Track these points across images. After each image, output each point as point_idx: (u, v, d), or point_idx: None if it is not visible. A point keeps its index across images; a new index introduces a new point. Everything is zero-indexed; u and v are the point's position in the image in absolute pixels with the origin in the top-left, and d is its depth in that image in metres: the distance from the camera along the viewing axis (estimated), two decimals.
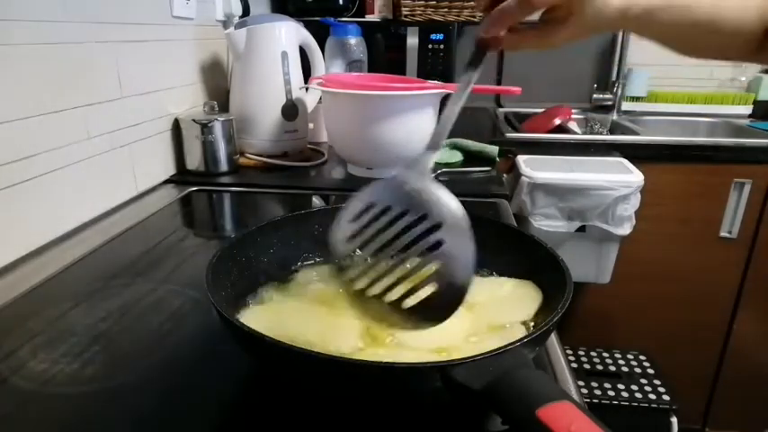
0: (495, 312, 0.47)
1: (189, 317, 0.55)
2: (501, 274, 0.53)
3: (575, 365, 1.40)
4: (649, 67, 1.78)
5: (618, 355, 1.43)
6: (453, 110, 0.43)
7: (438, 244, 0.35)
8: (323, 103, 1.01)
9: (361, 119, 0.92)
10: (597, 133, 1.74)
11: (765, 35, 0.52)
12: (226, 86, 1.18)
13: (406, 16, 1.49)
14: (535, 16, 0.47)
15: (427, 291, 0.35)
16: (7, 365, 0.46)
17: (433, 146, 0.41)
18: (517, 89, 0.90)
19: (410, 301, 0.35)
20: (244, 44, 1.04)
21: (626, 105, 1.82)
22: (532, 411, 0.27)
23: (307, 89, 1.12)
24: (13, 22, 0.63)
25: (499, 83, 1.92)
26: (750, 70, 1.84)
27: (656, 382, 1.33)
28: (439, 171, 1.01)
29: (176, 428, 0.40)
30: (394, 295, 0.36)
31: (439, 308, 0.35)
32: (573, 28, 0.46)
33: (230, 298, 0.46)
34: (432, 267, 0.35)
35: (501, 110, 1.85)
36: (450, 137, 1.21)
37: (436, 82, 1.00)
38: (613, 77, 1.83)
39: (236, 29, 1.05)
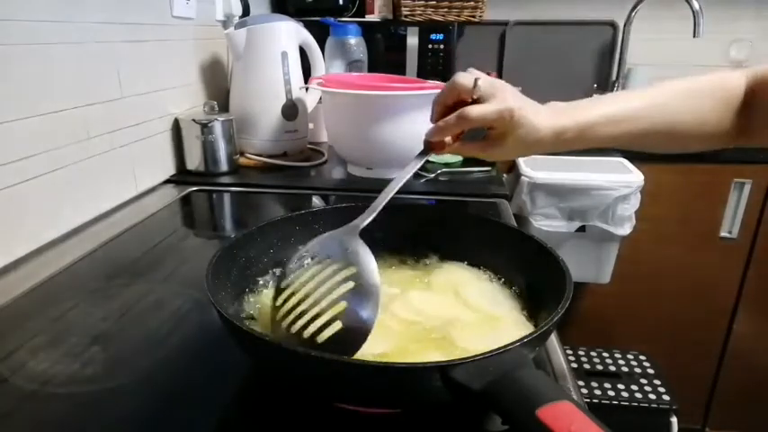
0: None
1: (189, 317, 0.55)
2: (501, 275, 0.53)
3: (575, 365, 1.40)
4: (649, 66, 1.78)
5: (618, 355, 1.43)
6: (393, 187, 0.50)
7: (350, 287, 0.42)
8: (323, 103, 1.01)
9: (361, 119, 0.92)
10: None
11: (739, 121, 0.54)
12: (226, 86, 1.18)
13: (406, 16, 1.49)
14: None
15: (335, 327, 0.40)
16: (7, 365, 0.46)
17: (364, 218, 0.48)
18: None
19: (323, 336, 0.40)
20: (244, 44, 1.04)
21: None
22: (532, 411, 0.27)
23: (307, 89, 1.12)
24: (13, 23, 0.63)
25: None
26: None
27: (656, 382, 1.33)
28: (439, 171, 1.01)
29: (176, 428, 0.40)
30: (309, 331, 0.41)
31: (345, 343, 0.40)
32: (508, 147, 0.51)
33: (230, 298, 0.46)
34: (341, 305, 0.41)
35: None
36: None
37: (436, 82, 1.00)
38: (613, 77, 1.83)
39: (236, 29, 1.05)
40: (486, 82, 0.51)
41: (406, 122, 0.91)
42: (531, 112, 0.50)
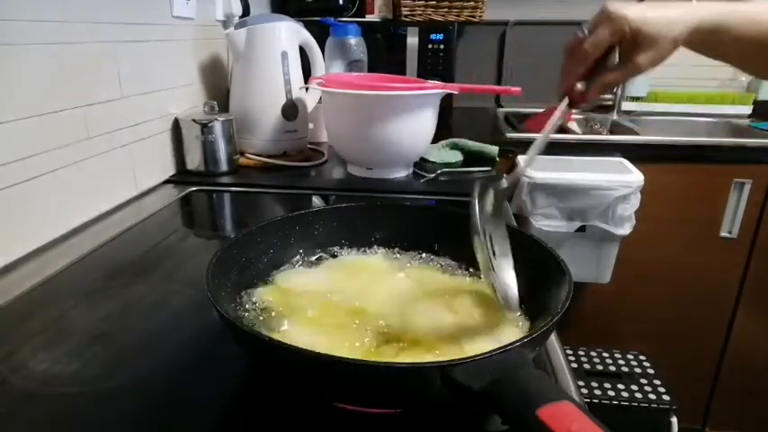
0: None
1: (189, 317, 0.55)
2: None
3: (575, 365, 1.40)
4: None
5: (618, 355, 1.43)
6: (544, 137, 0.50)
7: None
8: (323, 103, 1.01)
9: (361, 119, 0.92)
10: (597, 133, 1.74)
11: None
12: (226, 86, 1.18)
13: (406, 16, 1.49)
14: None
15: None
16: (7, 365, 0.46)
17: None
18: (517, 89, 0.89)
19: None
20: (244, 44, 1.04)
21: (626, 105, 1.82)
22: (532, 411, 0.27)
23: (307, 89, 1.12)
24: (13, 23, 0.63)
25: (499, 83, 1.92)
26: None
27: (656, 382, 1.33)
28: (439, 171, 1.01)
29: (176, 428, 0.40)
30: None
31: None
32: (648, 54, 0.50)
33: (230, 298, 0.46)
34: None
35: (501, 110, 1.85)
36: (450, 137, 1.21)
37: (436, 82, 1.00)
38: None
39: (236, 29, 1.05)
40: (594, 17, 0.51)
41: (406, 123, 0.91)
42: (649, 11, 0.49)
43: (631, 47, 0.50)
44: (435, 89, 0.92)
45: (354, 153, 1.00)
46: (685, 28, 0.50)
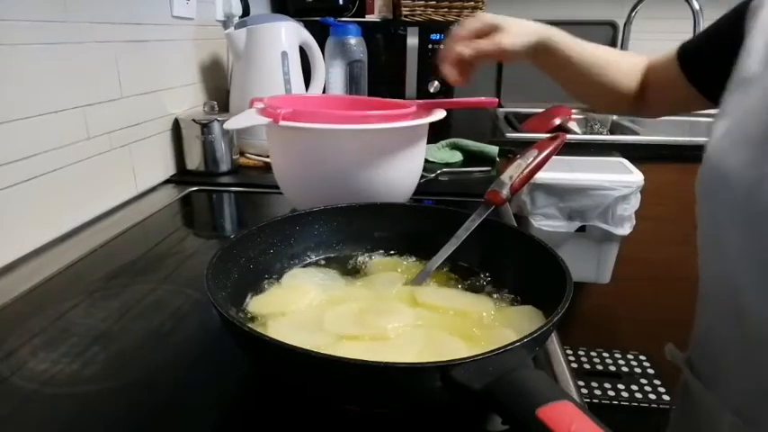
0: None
1: (189, 317, 0.55)
2: (501, 275, 0.53)
3: (575, 365, 1.40)
4: None
5: (618, 355, 1.43)
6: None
7: None
8: (266, 136, 0.77)
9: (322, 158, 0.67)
10: (597, 133, 1.74)
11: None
12: (226, 86, 1.18)
13: (406, 16, 1.49)
14: None
15: None
16: (7, 365, 0.46)
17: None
18: (493, 100, 0.74)
19: None
20: (244, 44, 1.04)
21: None
22: (532, 411, 0.27)
23: (307, 89, 1.12)
24: (13, 23, 0.63)
25: (499, 83, 1.93)
26: None
27: (656, 382, 1.33)
28: (439, 171, 1.01)
29: (176, 428, 0.40)
30: None
31: None
32: (511, 31, 0.63)
33: (230, 298, 0.46)
34: None
35: (501, 110, 1.85)
36: (450, 137, 1.21)
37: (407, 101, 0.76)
38: None
39: (236, 29, 1.05)
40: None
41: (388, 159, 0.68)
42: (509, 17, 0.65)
43: (495, 33, 0.63)
44: (409, 119, 0.68)
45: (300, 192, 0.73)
46: (534, 31, 0.65)
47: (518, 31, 0.64)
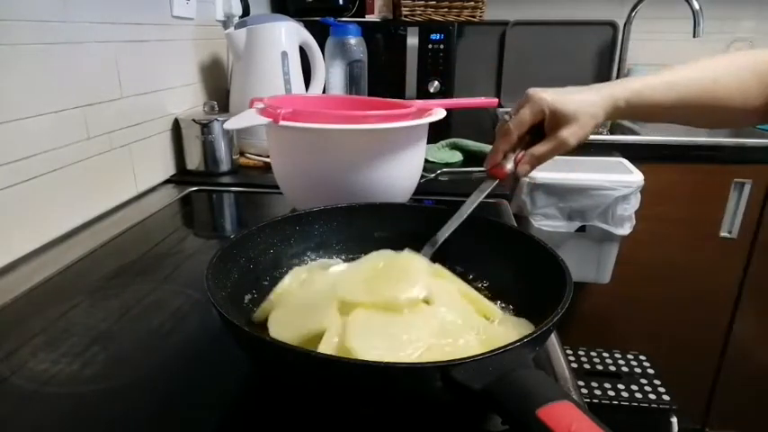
0: None
1: (189, 317, 0.55)
2: (501, 275, 0.53)
3: (575, 365, 1.40)
4: (649, 66, 1.78)
5: (618, 355, 1.43)
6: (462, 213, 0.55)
7: None
8: (266, 136, 0.77)
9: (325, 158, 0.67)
10: (597, 133, 1.74)
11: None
12: (226, 86, 1.18)
13: (406, 16, 1.49)
14: None
15: None
16: (7, 365, 0.46)
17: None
18: (493, 101, 0.80)
19: None
20: (244, 44, 1.04)
21: None
22: (532, 411, 0.27)
23: (307, 89, 1.12)
24: (13, 22, 0.63)
25: (499, 84, 1.93)
26: None
27: (656, 382, 1.33)
28: (439, 171, 1.01)
29: (176, 428, 0.40)
30: None
31: None
32: (570, 131, 0.55)
33: (230, 298, 0.46)
34: None
35: (501, 110, 1.85)
36: (450, 137, 1.21)
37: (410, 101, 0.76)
38: (613, 77, 1.83)
39: (236, 29, 1.05)
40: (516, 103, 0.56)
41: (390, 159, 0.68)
42: (567, 94, 0.55)
43: (553, 123, 0.56)
44: (409, 119, 0.68)
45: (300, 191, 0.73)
46: (602, 107, 0.56)
47: (584, 122, 0.54)
